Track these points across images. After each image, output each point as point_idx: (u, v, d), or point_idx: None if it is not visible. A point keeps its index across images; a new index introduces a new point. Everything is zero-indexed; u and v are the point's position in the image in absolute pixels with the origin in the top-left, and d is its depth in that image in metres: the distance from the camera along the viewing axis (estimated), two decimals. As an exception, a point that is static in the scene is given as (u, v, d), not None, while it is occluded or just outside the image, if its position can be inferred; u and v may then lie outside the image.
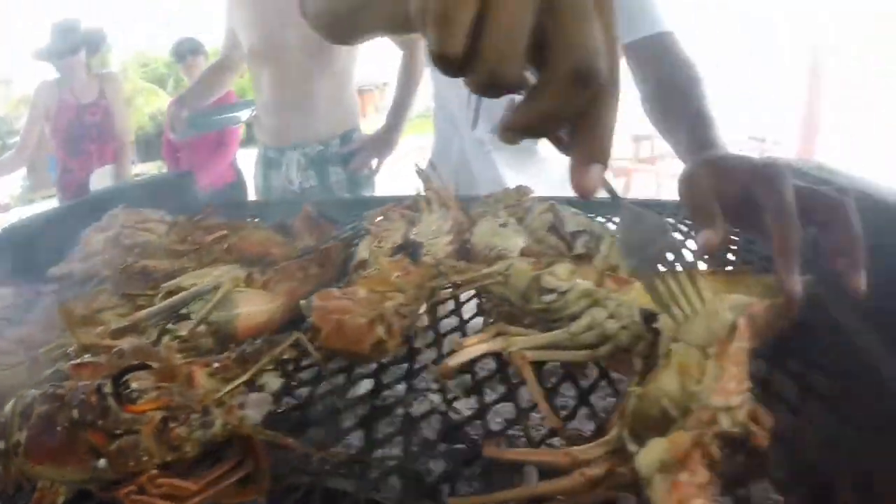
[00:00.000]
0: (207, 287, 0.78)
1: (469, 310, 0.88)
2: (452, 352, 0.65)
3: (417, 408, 0.70)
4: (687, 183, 0.82)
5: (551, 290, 0.68)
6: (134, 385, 0.50)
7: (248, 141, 3.81)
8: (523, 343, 0.63)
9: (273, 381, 0.69)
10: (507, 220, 1.02)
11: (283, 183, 2.36)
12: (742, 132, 11.08)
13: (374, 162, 2.43)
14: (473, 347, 0.61)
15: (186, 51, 4.01)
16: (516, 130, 0.44)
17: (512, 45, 0.39)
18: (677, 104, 1.20)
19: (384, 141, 2.42)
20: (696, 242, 0.75)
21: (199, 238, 1.03)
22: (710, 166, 0.83)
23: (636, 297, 0.65)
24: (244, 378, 0.55)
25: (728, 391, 0.45)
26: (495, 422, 0.65)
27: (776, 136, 10.43)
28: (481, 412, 0.63)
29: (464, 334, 0.80)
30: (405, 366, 0.74)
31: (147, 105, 18.51)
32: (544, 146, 1.63)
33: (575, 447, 0.47)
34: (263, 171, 2.45)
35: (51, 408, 0.52)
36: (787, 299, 0.66)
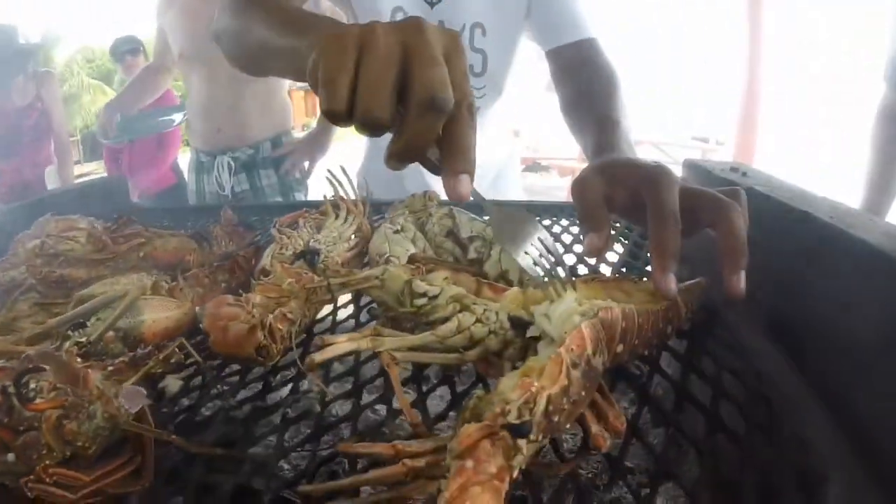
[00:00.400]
0: (115, 295, 0.85)
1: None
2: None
3: (295, 409, 0.74)
4: (578, 187, 0.85)
5: (422, 295, 0.70)
6: (32, 385, 0.57)
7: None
8: (391, 344, 0.65)
9: (173, 384, 0.78)
10: (405, 226, 1.07)
11: (214, 187, 2.40)
12: (685, 133, 11.34)
13: (307, 165, 2.48)
14: (341, 344, 0.64)
15: (125, 51, 4.01)
16: (395, 159, 0.60)
17: (378, 97, 0.55)
18: (588, 111, 1.25)
19: (316, 144, 2.48)
20: (583, 245, 0.80)
21: (114, 247, 1.08)
22: (601, 170, 0.87)
23: (507, 303, 0.69)
24: (133, 380, 0.62)
25: (528, 386, 0.48)
26: (367, 423, 0.73)
27: (719, 136, 10.67)
28: (355, 413, 0.69)
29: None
30: (295, 369, 0.80)
31: (93, 102, 18.13)
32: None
33: (405, 441, 0.50)
34: (196, 176, 2.49)
35: None
36: (664, 299, 0.71)
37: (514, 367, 0.61)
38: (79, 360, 0.66)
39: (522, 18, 1.54)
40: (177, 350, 0.69)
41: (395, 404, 0.66)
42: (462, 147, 0.59)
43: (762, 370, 0.70)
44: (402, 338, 0.67)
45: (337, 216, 1.18)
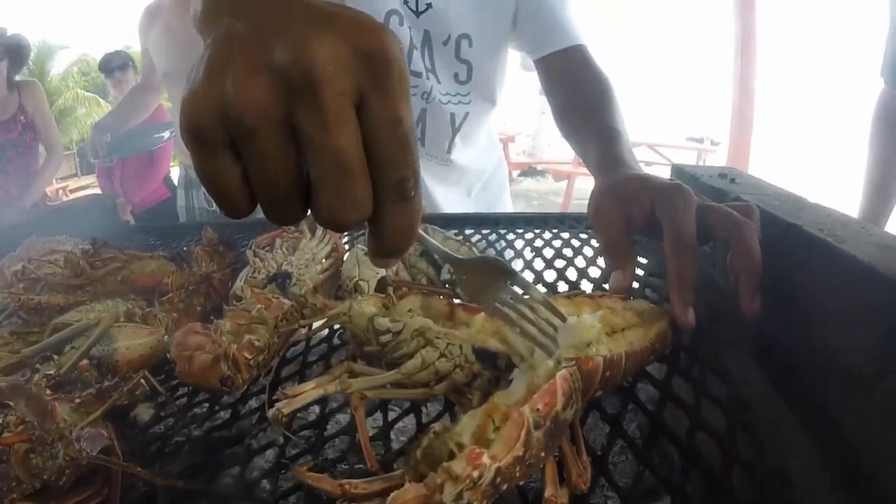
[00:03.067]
0: (88, 323, 0.86)
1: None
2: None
3: (258, 440, 0.74)
4: (597, 217, 0.87)
5: (386, 331, 0.69)
6: None
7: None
8: (359, 385, 0.65)
9: (145, 412, 0.79)
10: None
11: (202, 203, 2.42)
12: (681, 133, 11.37)
13: None
14: (308, 392, 0.64)
15: (115, 66, 4.02)
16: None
17: (276, 199, 0.40)
18: (586, 119, 1.25)
19: None
20: (609, 281, 0.81)
21: (91, 273, 1.09)
22: (615, 193, 0.88)
23: (473, 333, 0.68)
24: (97, 413, 0.64)
25: (476, 459, 0.44)
26: (330, 455, 0.73)
27: (714, 136, 10.69)
28: (319, 445, 0.70)
29: (328, 364, 0.86)
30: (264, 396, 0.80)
31: (88, 115, 18.08)
32: (458, 155, 1.67)
33: (355, 479, 0.48)
34: (185, 192, 2.50)
35: None
36: (680, 328, 0.72)
37: (486, 396, 0.59)
38: (48, 391, 0.68)
39: (509, 29, 1.54)
40: (142, 382, 0.71)
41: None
42: (385, 240, 0.43)
43: (744, 396, 0.67)
44: (369, 378, 0.67)
45: (313, 235, 1.18)
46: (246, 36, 0.38)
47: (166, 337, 0.82)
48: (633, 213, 0.83)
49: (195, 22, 0.45)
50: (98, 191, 4.32)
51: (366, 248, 1.03)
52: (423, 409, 0.74)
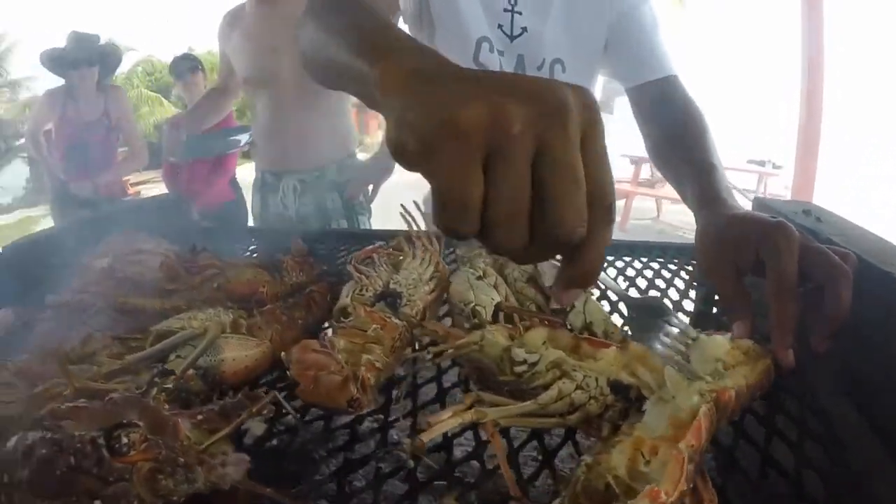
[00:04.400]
0: (195, 333, 0.83)
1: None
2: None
3: (388, 463, 0.72)
4: (705, 259, 0.89)
5: (521, 362, 0.69)
6: (124, 439, 0.55)
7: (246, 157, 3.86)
8: (494, 414, 0.63)
9: (257, 427, 0.75)
10: (486, 271, 1.02)
11: (279, 208, 2.41)
12: (742, 156, 11.16)
13: (370, 189, 2.47)
14: (447, 422, 0.61)
15: (185, 69, 4.05)
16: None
17: (515, 233, 0.45)
18: (682, 153, 1.23)
19: (380, 168, 2.48)
20: (732, 330, 0.80)
21: (188, 278, 1.06)
22: (723, 236, 0.88)
23: (607, 365, 0.68)
24: (225, 432, 0.60)
25: (657, 498, 0.46)
26: (463, 481, 0.70)
27: (776, 159, 10.47)
28: (449, 470, 0.67)
29: (440, 386, 0.85)
30: (381, 417, 0.79)
31: (151, 114, 18.59)
32: None
33: None
34: (261, 196, 2.50)
35: (50, 452, 0.57)
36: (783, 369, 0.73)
37: (615, 426, 0.62)
38: (166, 406, 0.65)
39: (600, 53, 1.51)
40: (264, 395, 0.66)
41: (488, 465, 0.67)
42: (587, 260, 0.48)
43: (840, 435, 0.70)
44: (504, 408, 0.65)
45: (413, 255, 1.14)
46: (502, 80, 0.46)
47: (283, 354, 0.78)
48: (742, 257, 0.84)
49: (375, 81, 0.53)
50: (162, 187, 4.42)
51: (475, 272, 1.01)
52: (546, 436, 0.74)
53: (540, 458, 0.70)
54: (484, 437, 0.70)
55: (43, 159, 3.88)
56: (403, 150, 0.46)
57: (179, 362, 0.80)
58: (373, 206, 2.56)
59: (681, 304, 1.07)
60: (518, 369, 0.69)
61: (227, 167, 3.86)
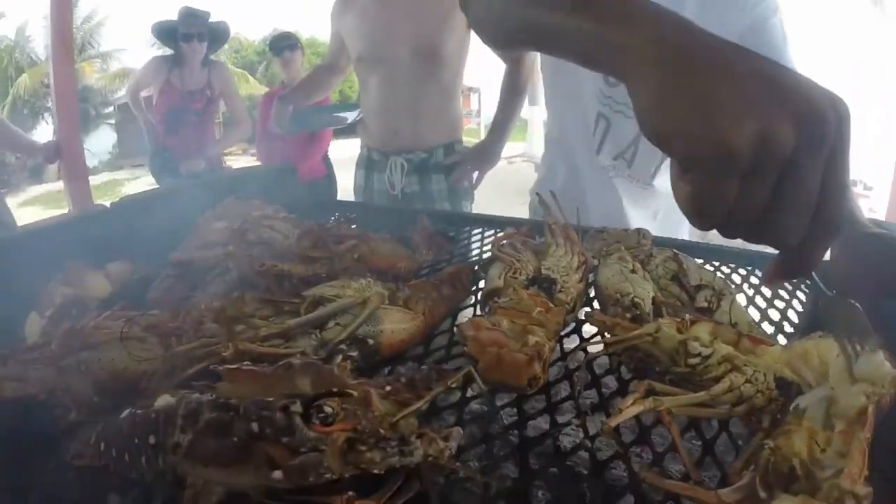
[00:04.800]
0: (354, 301, 0.79)
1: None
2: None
3: (564, 441, 0.73)
4: (849, 281, 0.90)
5: (696, 354, 0.71)
6: (327, 409, 0.51)
7: (338, 134, 3.86)
8: (670, 403, 0.65)
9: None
10: (634, 266, 1.00)
11: (384, 186, 2.38)
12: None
13: (475, 175, 2.44)
14: (631, 409, 0.63)
15: (284, 46, 4.09)
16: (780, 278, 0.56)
17: (752, 217, 0.49)
18: None
19: (486, 155, 2.44)
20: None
21: (331, 246, 1.03)
22: (864, 258, 0.90)
23: (771, 361, 0.69)
24: (421, 404, 0.55)
25: (854, 477, 0.49)
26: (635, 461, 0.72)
27: (868, 180, 10.07)
28: (624, 451, 0.67)
29: (592, 372, 0.84)
30: (542, 397, 0.78)
31: (237, 90, 18.86)
32: (660, 182, 1.61)
33: (720, 490, 0.52)
34: (365, 173, 2.47)
35: (223, 417, 0.53)
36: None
37: (774, 419, 0.63)
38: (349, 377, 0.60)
39: None
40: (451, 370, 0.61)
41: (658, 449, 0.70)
42: (800, 260, 0.53)
43: None
44: (679, 398, 0.67)
45: (557, 244, 1.08)
46: (763, 82, 0.47)
47: (456, 326, 0.74)
48: (884, 279, 0.85)
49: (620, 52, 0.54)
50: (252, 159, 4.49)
51: (628, 265, 0.98)
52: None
53: (700, 445, 0.71)
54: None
55: (142, 114, 3.95)
56: (666, 141, 0.49)
57: (338, 330, 0.77)
58: (475, 193, 2.51)
59: (787, 314, 1.00)
60: (692, 361, 0.71)
61: (322, 143, 3.89)
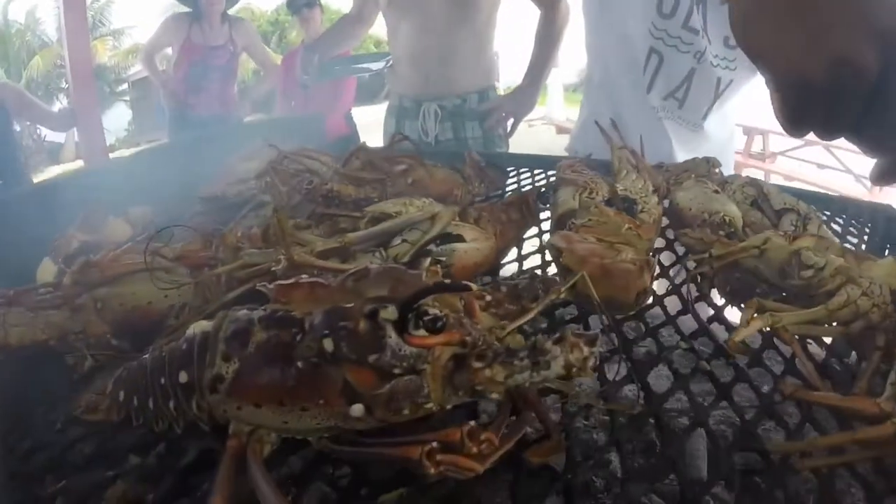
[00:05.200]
0: (422, 216, 0.70)
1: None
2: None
3: (680, 363, 0.66)
4: None
5: (809, 266, 0.68)
6: (432, 311, 0.40)
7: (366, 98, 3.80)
8: (789, 319, 0.63)
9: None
10: (715, 188, 0.95)
11: (416, 134, 2.28)
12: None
13: (510, 122, 2.35)
14: (753, 324, 0.62)
15: (302, 4, 3.99)
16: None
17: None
18: None
19: (522, 101, 2.34)
20: None
21: (388, 167, 0.94)
22: None
23: (884, 274, 0.67)
24: (530, 315, 0.44)
25: None
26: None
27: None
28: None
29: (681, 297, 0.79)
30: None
31: (250, 59, 18.78)
32: (710, 124, 1.57)
33: (878, 398, 0.49)
34: (397, 121, 2.39)
35: (283, 335, 0.43)
36: None
37: (889, 339, 0.61)
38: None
39: None
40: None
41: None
42: None
43: None
44: (797, 313, 0.65)
45: (627, 170, 1.00)
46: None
47: (547, 239, 0.64)
48: None
49: None
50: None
51: (710, 186, 0.94)
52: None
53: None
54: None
55: (157, 76, 3.88)
56: (755, 56, 0.51)
57: (405, 247, 0.67)
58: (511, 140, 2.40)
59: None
60: (805, 274, 0.68)
61: (345, 101, 3.79)
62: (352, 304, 0.42)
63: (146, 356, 0.53)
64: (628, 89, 1.58)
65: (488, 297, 0.48)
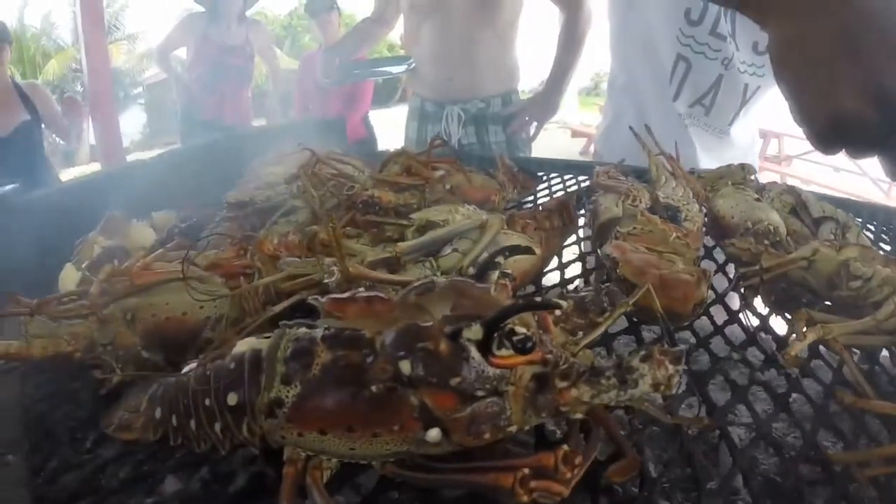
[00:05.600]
0: (471, 225, 0.68)
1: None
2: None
3: (733, 374, 0.65)
4: None
5: (857, 277, 0.68)
6: (521, 330, 0.38)
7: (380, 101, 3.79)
8: (839, 331, 0.63)
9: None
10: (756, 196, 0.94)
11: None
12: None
13: (533, 126, 2.34)
14: (808, 336, 0.62)
15: (321, 8, 3.99)
16: None
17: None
18: None
19: (545, 105, 2.33)
20: None
21: (428, 172, 0.93)
22: None
23: None
24: (601, 329, 0.43)
25: None
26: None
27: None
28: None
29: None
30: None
31: (262, 64, 18.79)
32: (736, 131, 1.57)
33: None
34: (419, 125, 2.38)
35: (353, 356, 0.41)
36: None
37: None
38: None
39: None
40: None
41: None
42: None
43: None
44: (846, 324, 0.65)
45: (666, 177, 0.99)
46: (861, 60, 0.52)
47: (602, 249, 0.63)
48: None
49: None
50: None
51: (751, 195, 0.93)
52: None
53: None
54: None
55: (172, 73, 3.86)
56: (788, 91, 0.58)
57: (457, 257, 0.66)
58: (533, 145, 2.40)
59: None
60: (854, 285, 0.68)
61: (363, 103, 3.78)
62: (430, 323, 0.40)
63: (187, 373, 0.51)
64: (654, 96, 1.57)
65: (558, 312, 0.46)
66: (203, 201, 1.10)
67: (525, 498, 0.36)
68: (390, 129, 2.50)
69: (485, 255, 0.66)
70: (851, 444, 0.55)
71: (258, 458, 0.48)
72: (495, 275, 0.52)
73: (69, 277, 0.84)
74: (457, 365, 0.38)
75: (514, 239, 0.69)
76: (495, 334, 0.38)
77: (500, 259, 0.58)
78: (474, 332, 0.38)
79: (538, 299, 0.41)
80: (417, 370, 0.38)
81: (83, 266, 0.83)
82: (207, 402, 0.46)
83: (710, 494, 0.47)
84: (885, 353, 0.68)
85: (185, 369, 0.51)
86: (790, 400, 0.60)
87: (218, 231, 0.94)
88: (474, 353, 0.38)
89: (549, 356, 0.39)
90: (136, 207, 1.05)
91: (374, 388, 0.39)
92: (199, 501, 0.51)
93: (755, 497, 0.48)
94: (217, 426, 0.46)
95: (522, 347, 0.38)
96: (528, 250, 0.68)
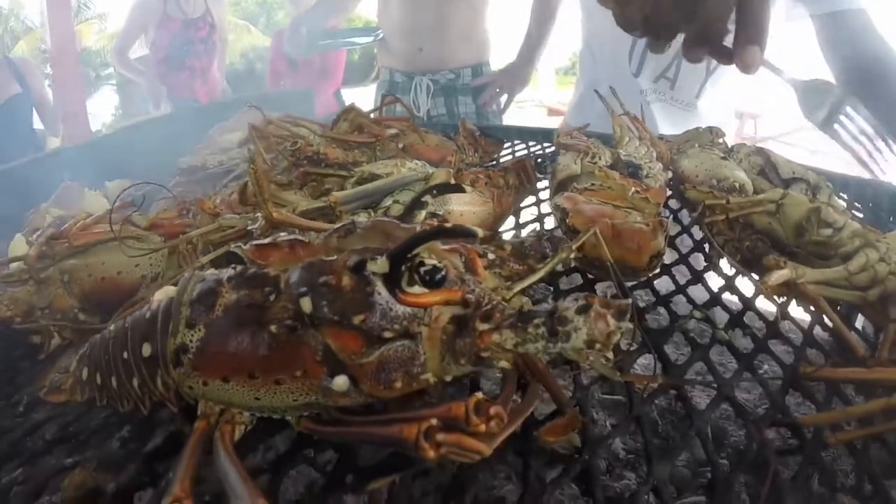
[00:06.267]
0: (415, 176, 0.64)
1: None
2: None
3: (696, 333, 0.63)
4: None
5: (828, 224, 0.67)
6: (430, 262, 0.34)
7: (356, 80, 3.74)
8: (811, 276, 0.63)
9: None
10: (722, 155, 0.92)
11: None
12: None
13: (504, 98, 2.32)
14: (783, 273, 0.61)
15: (293, -18, 3.92)
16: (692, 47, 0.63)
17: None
18: (874, 93, 1.18)
19: (516, 77, 2.29)
20: None
21: (378, 129, 0.88)
22: None
23: None
24: (539, 275, 0.39)
25: None
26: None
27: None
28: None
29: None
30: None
31: (238, 41, 18.57)
32: (704, 101, 1.57)
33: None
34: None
35: (254, 295, 0.37)
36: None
37: None
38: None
39: None
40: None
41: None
42: (754, 19, 0.59)
43: None
44: (819, 270, 0.64)
45: (630, 137, 0.96)
46: None
47: (553, 201, 0.59)
48: None
49: None
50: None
51: (717, 153, 0.91)
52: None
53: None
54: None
55: (133, 70, 3.70)
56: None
57: (397, 209, 0.61)
58: (504, 116, 2.38)
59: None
60: (824, 232, 0.67)
61: (333, 77, 3.72)
62: (332, 258, 0.37)
63: (109, 328, 0.47)
64: (619, 71, 1.58)
65: (491, 255, 0.42)
66: (165, 170, 1.08)
67: (431, 453, 0.31)
68: (366, 107, 2.43)
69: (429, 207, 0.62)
70: (823, 407, 0.53)
71: (177, 416, 0.45)
72: (422, 214, 0.48)
73: (18, 247, 0.83)
74: (361, 301, 0.34)
75: (443, 176, 0.65)
76: (404, 268, 0.34)
77: (427, 198, 0.54)
78: (379, 264, 0.34)
79: (449, 225, 0.36)
80: (319, 307, 0.34)
81: (33, 237, 0.80)
82: (125, 355, 0.43)
83: (661, 457, 0.43)
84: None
85: (110, 326, 0.48)
86: (755, 361, 0.58)
87: (171, 193, 0.92)
88: (380, 287, 0.34)
89: (469, 296, 0.35)
90: (97, 180, 1.06)
91: (273, 328, 0.35)
92: (117, 460, 0.48)
93: (714, 462, 0.44)
94: (135, 381, 0.43)
95: (431, 279, 0.34)
96: (457, 188, 0.63)
